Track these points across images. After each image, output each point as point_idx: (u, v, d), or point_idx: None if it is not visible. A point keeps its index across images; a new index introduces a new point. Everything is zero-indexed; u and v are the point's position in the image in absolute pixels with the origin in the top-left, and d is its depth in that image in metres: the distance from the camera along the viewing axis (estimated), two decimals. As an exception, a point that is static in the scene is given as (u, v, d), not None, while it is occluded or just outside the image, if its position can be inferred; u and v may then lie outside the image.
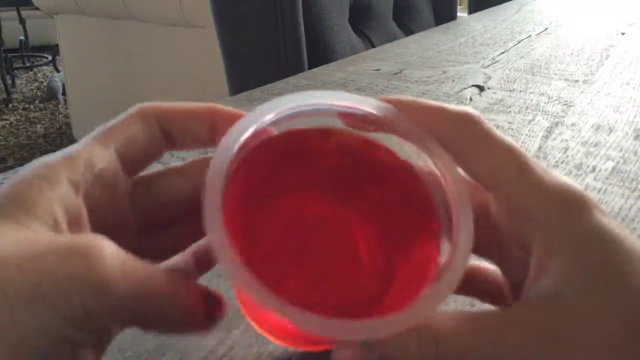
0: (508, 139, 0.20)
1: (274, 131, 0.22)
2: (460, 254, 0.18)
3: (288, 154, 0.24)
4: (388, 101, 0.22)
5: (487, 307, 0.23)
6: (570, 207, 0.18)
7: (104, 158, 0.20)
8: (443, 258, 0.20)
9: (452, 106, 0.21)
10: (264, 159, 0.22)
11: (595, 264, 0.17)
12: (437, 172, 0.21)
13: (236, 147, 0.19)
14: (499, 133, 0.20)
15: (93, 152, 0.19)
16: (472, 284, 0.22)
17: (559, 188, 0.19)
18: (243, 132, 0.20)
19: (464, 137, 0.20)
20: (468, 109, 0.21)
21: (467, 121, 0.20)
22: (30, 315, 0.15)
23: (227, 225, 0.18)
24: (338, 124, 0.22)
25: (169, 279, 0.18)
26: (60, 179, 0.18)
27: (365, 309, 0.22)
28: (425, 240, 0.22)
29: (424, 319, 0.17)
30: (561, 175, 0.19)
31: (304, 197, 0.24)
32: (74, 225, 0.18)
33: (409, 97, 0.22)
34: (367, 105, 0.22)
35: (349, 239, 0.24)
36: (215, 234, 0.17)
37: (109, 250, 0.16)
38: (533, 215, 0.19)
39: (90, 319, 0.15)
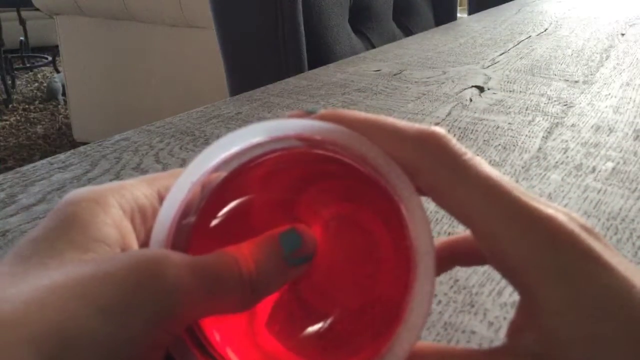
0: (485, 170, 0.17)
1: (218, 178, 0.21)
2: (415, 307, 0.18)
3: (249, 189, 0.23)
4: (331, 118, 0.19)
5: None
6: (562, 261, 0.16)
7: (148, 195, 0.20)
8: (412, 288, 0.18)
9: (410, 126, 0.18)
10: (221, 204, 0.22)
11: (587, 318, 0.16)
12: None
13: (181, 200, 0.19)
14: (467, 155, 0.18)
15: (139, 187, 0.20)
16: (450, 260, 0.22)
17: (549, 233, 0.17)
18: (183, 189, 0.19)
19: (435, 174, 0.18)
20: (432, 128, 0.18)
21: (437, 154, 0.18)
22: (117, 325, 0.15)
23: None
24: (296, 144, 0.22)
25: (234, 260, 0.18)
26: (112, 202, 0.19)
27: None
28: (396, 261, 0.21)
29: None
30: (540, 201, 0.17)
31: (271, 218, 0.24)
32: (126, 247, 0.19)
33: (354, 113, 0.19)
34: (313, 131, 0.20)
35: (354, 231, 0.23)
36: None
37: (174, 255, 0.17)
38: (519, 267, 0.17)
39: (167, 319, 0.16)
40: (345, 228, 0.22)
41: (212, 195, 0.21)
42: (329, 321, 0.21)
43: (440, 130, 0.18)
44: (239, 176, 0.22)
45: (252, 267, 0.18)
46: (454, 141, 0.18)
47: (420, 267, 0.18)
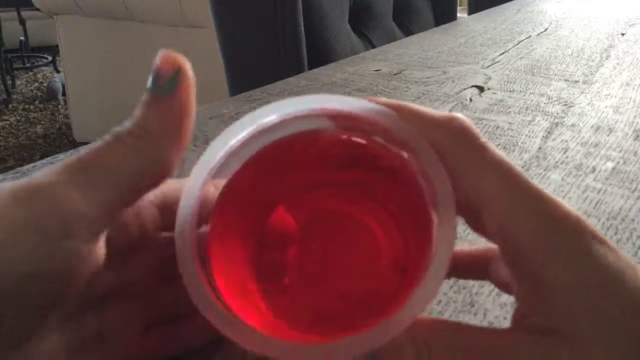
0: (499, 154, 0.19)
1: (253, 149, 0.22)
2: (439, 259, 0.18)
3: (277, 166, 0.24)
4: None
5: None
6: (569, 240, 0.17)
7: None
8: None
9: (435, 111, 0.19)
10: (251, 177, 0.23)
11: (599, 303, 0.16)
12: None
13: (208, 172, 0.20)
14: (489, 146, 0.19)
15: None
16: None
17: (556, 216, 0.17)
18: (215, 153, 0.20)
19: (454, 152, 0.19)
20: (456, 116, 0.19)
21: (458, 134, 0.19)
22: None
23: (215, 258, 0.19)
24: (325, 125, 0.22)
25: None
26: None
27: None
28: (423, 233, 0.22)
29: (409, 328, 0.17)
30: (555, 198, 0.18)
31: (297, 206, 0.24)
32: None
33: (383, 99, 0.20)
34: (360, 108, 0.21)
35: (360, 230, 0.24)
36: (185, 261, 0.18)
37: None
38: (526, 247, 0.17)
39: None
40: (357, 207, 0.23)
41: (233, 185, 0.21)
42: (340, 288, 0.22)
43: (462, 116, 0.19)
44: (261, 161, 0.22)
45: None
46: (473, 126, 0.19)
47: (441, 211, 0.18)
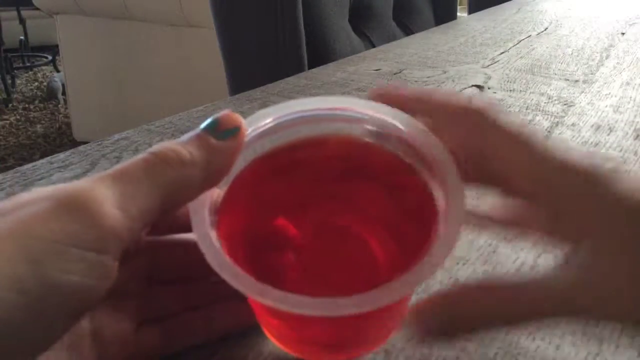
0: (516, 121, 0.21)
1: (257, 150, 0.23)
2: (453, 222, 0.20)
3: (283, 170, 0.24)
4: (390, 98, 0.23)
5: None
6: (597, 185, 0.20)
7: None
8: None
9: (456, 100, 0.22)
10: (258, 179, 0.23)
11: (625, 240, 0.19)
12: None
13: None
14: (506, 118, 0.21)
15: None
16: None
17: (581, 168, 0.20)
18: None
19: (476, 135, 0.21)
20: (471, 100, 0.21)
21: (477, 116, 0.21)
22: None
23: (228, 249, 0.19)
24: (331, 128, 0.23)
25: None
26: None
27: None
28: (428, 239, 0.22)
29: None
30: (578, 151, 0.20)
31: (301, 211, 0.24)
32: None
33: (408, 90, 0.23)
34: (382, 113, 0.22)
35: (358, 244, 0.24)
36: (198, 225, 0.19)
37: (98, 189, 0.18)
38: (558, 200, 0.20)
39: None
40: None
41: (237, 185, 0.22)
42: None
43: (476, 99, 0.22)
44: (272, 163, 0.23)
45: (175, 154, 0.20)
46: (489, 105, 0.22)
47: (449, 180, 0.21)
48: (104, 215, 0.17)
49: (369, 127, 0.23)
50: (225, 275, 0.18)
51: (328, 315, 0.18)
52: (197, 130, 0.21)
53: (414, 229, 0.23)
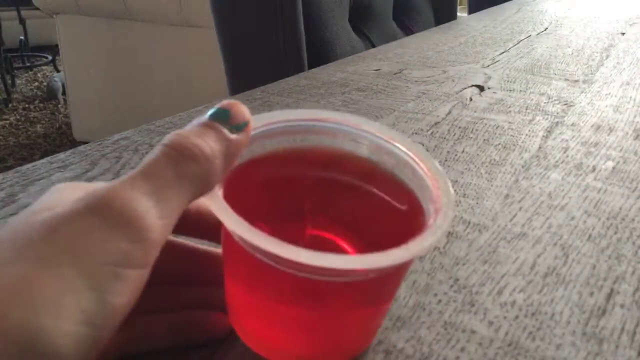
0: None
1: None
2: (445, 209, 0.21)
3: (264, 183, 0.24)
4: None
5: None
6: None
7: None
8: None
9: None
10: (241, 185, 0.23)
11: None
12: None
13: None
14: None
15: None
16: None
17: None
18: None
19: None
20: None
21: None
22: None
23: None
24: (313, 140, 0.24)
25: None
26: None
27: None
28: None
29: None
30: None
31: (286, 222, 0.24)
32: None
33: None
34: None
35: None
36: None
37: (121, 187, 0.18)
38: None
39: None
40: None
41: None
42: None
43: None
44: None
45: (199, 150, 0.19)
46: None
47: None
48: (149, 230, 0.17)
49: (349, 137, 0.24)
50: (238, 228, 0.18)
51: (321, 265, 0.18)
52: (208, 120, 0.20)
53: (394, 238, 0.23)
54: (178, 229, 0.20)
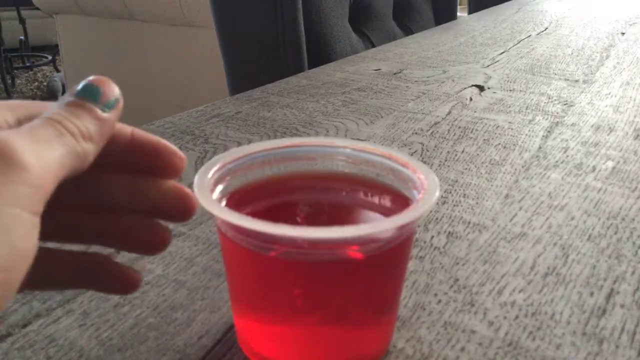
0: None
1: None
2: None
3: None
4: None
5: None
6: None
7: (9, 121, 0.21)
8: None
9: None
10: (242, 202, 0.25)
11: None
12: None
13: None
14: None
15: (1, 112, 0.21)
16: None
17: None
18: None
19: None
20: None
21: None
22: None
23: None
24: (291, 167, 0.25)
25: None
26: None
27: None
28: None
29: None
30: None
31: None
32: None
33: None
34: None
35: None
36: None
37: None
38: None
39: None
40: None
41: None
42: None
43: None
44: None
45: (77, 130, 0.20)
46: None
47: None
48: (28, 169, 0.17)
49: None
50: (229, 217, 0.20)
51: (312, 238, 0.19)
52: (79, 100, 0.21)
53: None
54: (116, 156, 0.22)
